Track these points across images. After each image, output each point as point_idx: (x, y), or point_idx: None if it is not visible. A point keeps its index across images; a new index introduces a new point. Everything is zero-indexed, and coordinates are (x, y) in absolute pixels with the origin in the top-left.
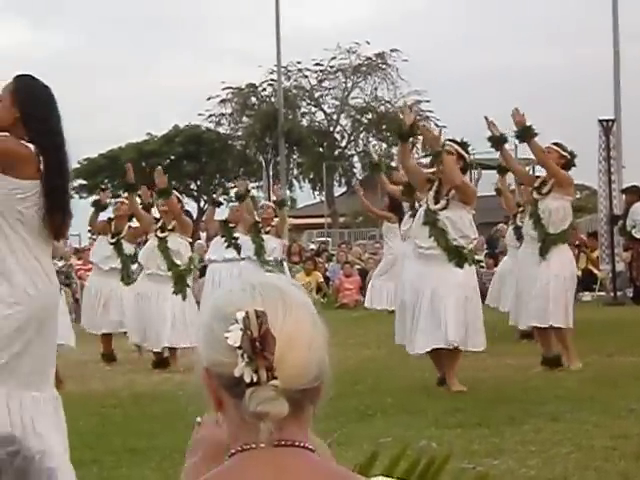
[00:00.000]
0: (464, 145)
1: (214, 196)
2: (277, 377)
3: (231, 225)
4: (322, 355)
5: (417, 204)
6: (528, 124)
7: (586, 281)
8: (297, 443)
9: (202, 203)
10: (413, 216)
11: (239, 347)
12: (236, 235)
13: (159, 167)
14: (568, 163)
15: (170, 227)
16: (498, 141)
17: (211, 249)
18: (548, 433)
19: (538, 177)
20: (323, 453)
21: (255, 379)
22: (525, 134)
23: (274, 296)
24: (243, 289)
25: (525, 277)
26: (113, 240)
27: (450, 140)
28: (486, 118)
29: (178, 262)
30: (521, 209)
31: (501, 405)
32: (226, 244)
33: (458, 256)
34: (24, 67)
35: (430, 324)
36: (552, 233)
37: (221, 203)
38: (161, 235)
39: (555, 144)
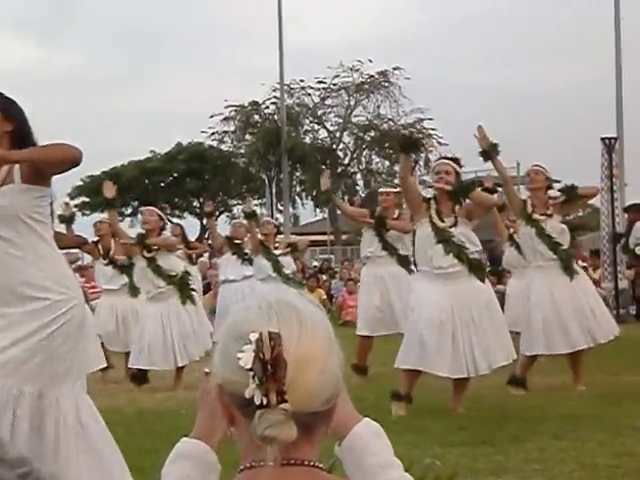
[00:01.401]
0: (457, 161)
1: (207, 208)
2: (287, 400)
3: (236, 242)
4: (336, 377)
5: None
6: (493, 142)
7: None
8: (307, 462)
9: (205, 221)
10: (379, 237)
11: (250, 369)
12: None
13: (107, 181)
14: (550, 186)
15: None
16: (488, 154)
17: (225, 268)
18: (552, 451)
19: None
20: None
21: (265, 402)
22: (489, 153)
23: (290, 316)
24: (260, 307)
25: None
26: (106, 261)
27: (444, 158)
28: (480, 127)
29: (173, 274)
30: (512, 231)
31: (505, 423)
32: (240, 261)
33: (481, 270)
34: (29, 84)
35: (490, 341)
36: (568, 252)
37: (212, 213)
38: (148, 255)
39: (538, 166)
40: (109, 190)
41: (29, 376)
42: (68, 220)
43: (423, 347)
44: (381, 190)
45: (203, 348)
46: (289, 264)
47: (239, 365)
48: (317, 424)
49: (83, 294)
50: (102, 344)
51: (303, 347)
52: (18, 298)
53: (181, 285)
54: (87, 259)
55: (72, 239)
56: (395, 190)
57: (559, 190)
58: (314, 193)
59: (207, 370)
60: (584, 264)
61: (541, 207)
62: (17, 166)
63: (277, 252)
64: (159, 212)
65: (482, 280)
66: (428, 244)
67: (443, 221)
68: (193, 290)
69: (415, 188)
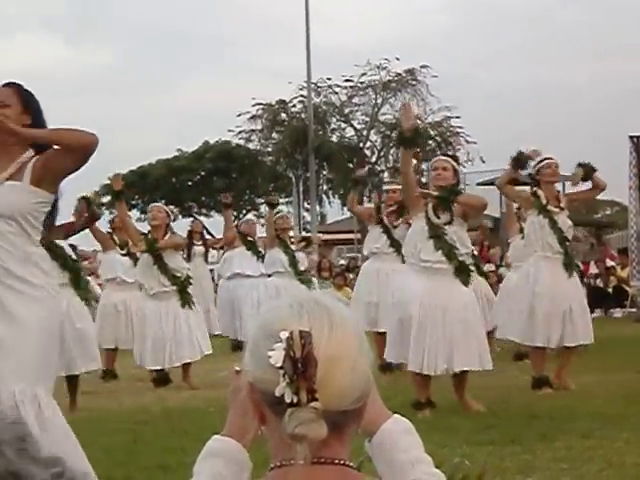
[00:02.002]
0: (456, 158)
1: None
2: (318, 399)
3: (249, 239)
4: (366, 376)
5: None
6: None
7: (617, 297)
8: (336, 461)
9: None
10: (386, 232)
11: (281, 367)
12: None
13: (118, 172)
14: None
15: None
16: (518, 164)
17: (241, 262)
18: (579, 450)
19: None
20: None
21: (295, 400)
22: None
23: (321, 315)
24: (290, 306)
25: (560, 294)
26: (124, 252)
27: (444, 155)
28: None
29: (178, 275)
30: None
31: (533, 422)
32: (255, 257)
33: (466, 273)
34: (57, 83)
35: (459, 344)
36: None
37: (230, 205)
38: (156, 253)
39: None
40: (117, 183)
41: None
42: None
43: (404, 342)
44: (386, 188)
45: (199, 352)
46: (303, 260)
47: (270, 363)
48: (347, 423)
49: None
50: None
51: (333, 346)
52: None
53: (182, 288)
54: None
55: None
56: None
57: (578, 164)
58: (341, 191)
59: (237, 368)
60: (612, 262)
61: (553, 200)
62: (29, 166)
63: (292, 247)
64: (167, 209)
65: (465, 284)
66: (419, 238)
67: (439, 217)
68: (189, 295)
69: (413, 183)
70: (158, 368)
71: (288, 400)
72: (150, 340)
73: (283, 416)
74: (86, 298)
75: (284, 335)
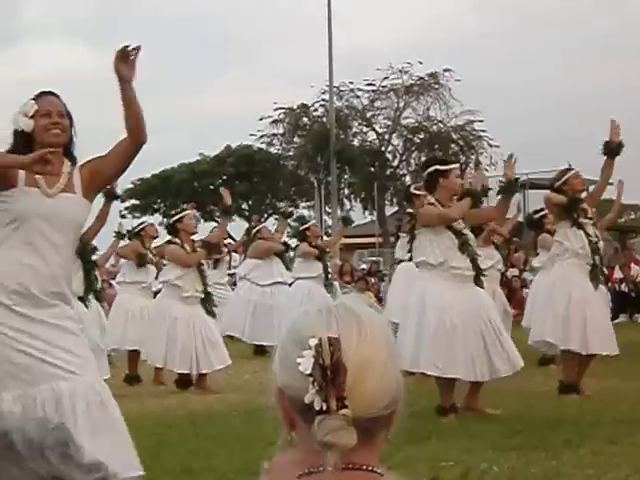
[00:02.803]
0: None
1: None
2: (347, 406)
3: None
4: (396, 382)
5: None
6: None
7: None
8: (365, 467)
9: (253, 223)
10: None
11: (310, 375)
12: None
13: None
14: None
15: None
16: (615, 150)
17: (280, 271)
18: (605, 456)
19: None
20: None
21: (325, 407)
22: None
23: (350, 321)
24: (319, 311)
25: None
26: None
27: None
28: (510, 158)
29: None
30: None
31: (558, 428)
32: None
33: (481, 281)
34: (83, 89)
35: (496, 350)
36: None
37: (291, 214)
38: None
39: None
40: (227, 197)
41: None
42: (121, 236)
43: (441, 350)
44: (416, 192)
45: (226, 360)
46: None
47: (299, 370)
48: (377, 429)
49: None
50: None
51: (363, 352)
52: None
53: (208, 297)
54: None
55: None
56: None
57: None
58: (362, 195)
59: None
60: (637, 267)
61: (584, 211)
62: (76, 176)
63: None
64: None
65: (482, 288)
66: (447, 245)
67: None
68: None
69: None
70: (186, 372)
71: (317, 407)
72: (180, 343)
73: (312, 423)
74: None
75: (313, 342)
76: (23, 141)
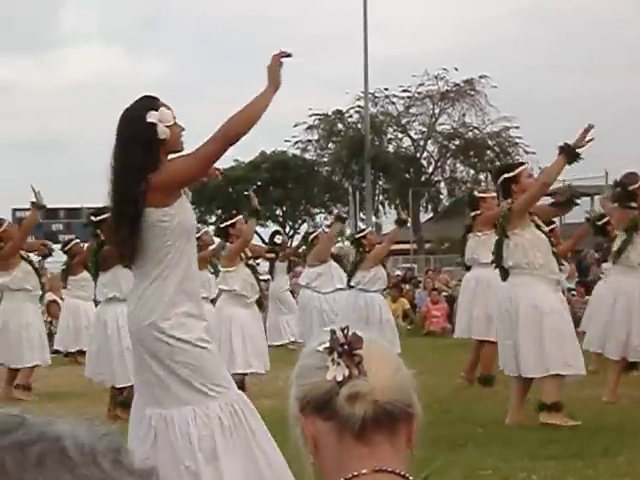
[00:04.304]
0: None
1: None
2: (366, 374)
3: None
4: (409, 385)
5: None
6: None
7: None
8: (397, 471)
9: (287, 229)
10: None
11: (329, 350)
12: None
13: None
14: None
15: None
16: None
17: (341, 278)
18: None
19: None
20: None
21: (347, 374)
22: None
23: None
24: (326, 330)
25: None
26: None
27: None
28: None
29: None
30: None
31: (596, 436)
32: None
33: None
34: (118, 93)
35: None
36: None
37: (346, 218)
38: (249, 262)
39: None
40: (254, 200)
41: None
42: None
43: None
44: (482, 195)
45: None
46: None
47: (317, 365)
48: (398, 421)
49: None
50: None
51: (375, 350)
52: None
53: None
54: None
55: None
56: (492, 195)
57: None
58: (397, 202)
59: None
60: None
61: None
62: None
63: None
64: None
65: None
66: (543, 248)
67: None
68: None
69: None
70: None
71: (339, 378)
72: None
73: (334, 419)
74: None
75: (326, 336)
76: (157, 148)
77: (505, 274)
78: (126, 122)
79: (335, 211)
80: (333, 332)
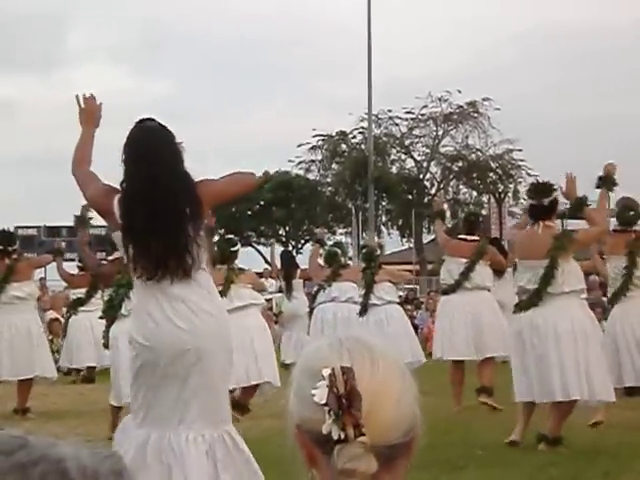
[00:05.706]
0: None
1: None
2: (365, 434)
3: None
4: (412, 410)
5: None
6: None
7: None
8: None
9: (290, 248)
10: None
11: (325, 404)
12: None
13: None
14: None
15: None
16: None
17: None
18: None
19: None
20: None
21: (343, 436)
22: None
23: (362, 352)
24: (330, 344)
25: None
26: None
27: None
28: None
29: None
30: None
31: (596, 459)
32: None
33: None
34: (122, 112)
35: None
36: None
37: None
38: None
39: None
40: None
41: None
42: None
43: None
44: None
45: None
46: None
47: (314, 402)
48: (397, 456)
49: None
50: None
51: (376, 380)
52: None
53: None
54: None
55: None
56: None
57: None
58: (400, 222)
59: None
60: None
61: None
62: None
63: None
64: None
65: None
66: (576, 270)
67: None
68: None
69: None
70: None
71: (335, 437)
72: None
73: (332, 454)
74: None
75: (326, 372)
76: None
77: (537, 300)
78: (171, 138)
79: (318, 231)
80: (332, 377)
